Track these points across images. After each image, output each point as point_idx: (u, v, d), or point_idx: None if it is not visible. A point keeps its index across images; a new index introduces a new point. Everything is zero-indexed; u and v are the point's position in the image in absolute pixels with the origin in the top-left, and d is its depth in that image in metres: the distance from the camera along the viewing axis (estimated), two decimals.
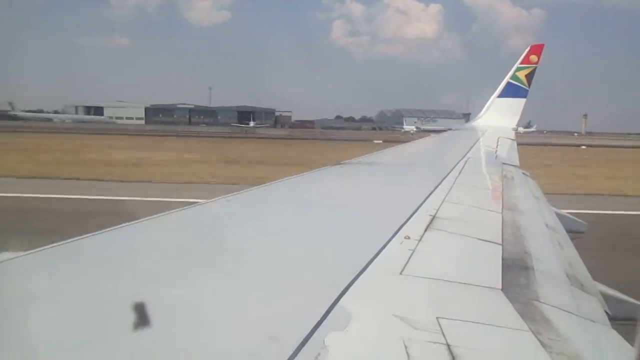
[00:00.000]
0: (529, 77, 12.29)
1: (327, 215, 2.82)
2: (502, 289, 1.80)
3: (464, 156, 6.10)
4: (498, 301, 1.71)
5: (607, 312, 2.04)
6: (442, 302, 1.66)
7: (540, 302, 1.78)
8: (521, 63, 12.32)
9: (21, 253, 1.97)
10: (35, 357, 1.22)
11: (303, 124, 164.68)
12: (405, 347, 1.27)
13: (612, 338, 1.70)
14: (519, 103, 12.40)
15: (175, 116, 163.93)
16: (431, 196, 3.25)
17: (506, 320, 1.56)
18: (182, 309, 1.47)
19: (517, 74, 12.34)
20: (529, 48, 12.46)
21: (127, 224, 2.38)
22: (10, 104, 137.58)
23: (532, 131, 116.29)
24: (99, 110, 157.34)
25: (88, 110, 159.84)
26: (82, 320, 1.39)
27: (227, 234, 2.37)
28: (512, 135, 10.78)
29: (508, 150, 8.26)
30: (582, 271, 2.49)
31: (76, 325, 1.36)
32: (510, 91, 12.42)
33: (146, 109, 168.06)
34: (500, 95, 12.58)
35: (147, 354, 1.22)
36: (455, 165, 5.08)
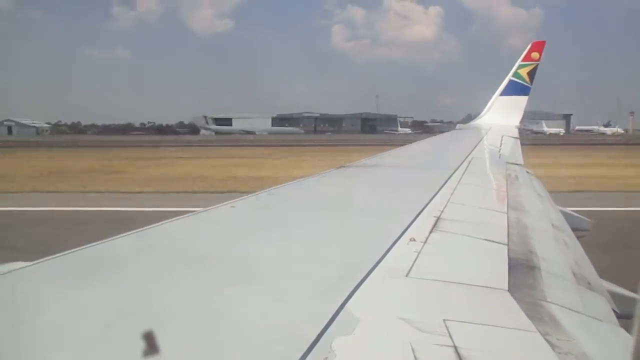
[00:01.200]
0: (531, 74, 12.25)
1: (332, 219, 2.82)
2: (508, 290, 1.80)
3: (468, 156, 6.09)
4: (505, 302, 1.70)
5: (615, 311, 2.03)
6: (449, 304, 1.65)
7: (547, 302, 1.78)
8: (523, 60, 12.29)
9: (29, 263, 1.99)
10: None
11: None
12: (413, 350, 1.26)
13: (621, 337, 1.69)
14: (521, 101, 12.36)
15: (301, 125, 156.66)
16: (436, 197, 3.25)
17: (513, 321, 1.56)
18: (188, 313, 1.48)
19: (519, 71, 12.31)
20: (530, 45, 12.43)
21: (132, 231, 2.40)
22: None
23: (617, 131, 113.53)
24: (228, 122, 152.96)
25: (218, 121, 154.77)
26: (95, 327, 1.39)
27: (232, 239, 2.38)
28: (516, 133, 10.74)
29: (512, 149, 8.24)
30: (588, 270, 2.49)
31: (91, 332, 1.37)
32: (513, 89, 12.39)
33: (272, 119, 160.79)
34: (503, 94, 12.54)
35: (156, 357, 1.22)
36: (460, 165, 5.08)
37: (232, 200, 3.09)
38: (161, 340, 1.30)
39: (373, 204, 3.35)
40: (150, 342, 1.30)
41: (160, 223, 2.55)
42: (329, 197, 3.70)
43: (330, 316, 1.40)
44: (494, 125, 11.39)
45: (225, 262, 2.00)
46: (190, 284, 1.73)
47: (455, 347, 1.31)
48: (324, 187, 4.17)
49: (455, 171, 4.63)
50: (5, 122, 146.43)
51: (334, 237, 2.44)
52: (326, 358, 1.19)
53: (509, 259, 2.17)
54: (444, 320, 1.46)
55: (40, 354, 1.28)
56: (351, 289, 1.61)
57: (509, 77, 12.41)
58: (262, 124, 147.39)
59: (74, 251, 2.11)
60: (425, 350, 1.28)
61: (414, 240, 2.22)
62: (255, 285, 1.73)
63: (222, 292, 1.67)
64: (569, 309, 1.78)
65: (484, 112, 12.99)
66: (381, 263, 1.89)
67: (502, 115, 12.12)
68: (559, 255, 2.57)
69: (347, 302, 1.51)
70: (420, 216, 2.69)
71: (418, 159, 7.24)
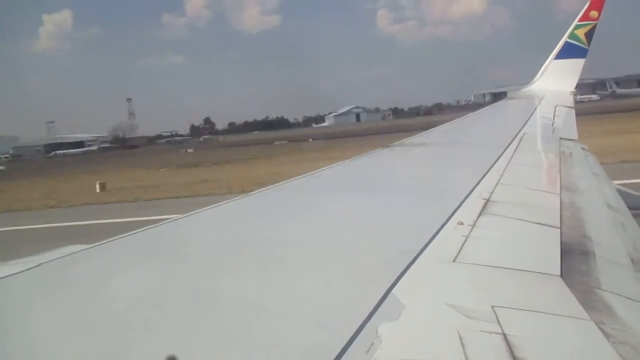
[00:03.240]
0: (589, 35, 11.45)
1: (378, 201, 2.82)
2: (561, 276, 1.75)
3: (520, 131, 5.87)
4: (557, 289, 1.66)
5: None
6: (498, 290, 1.63)
7: (602, 289, 1.72)
8: (580, 20, 11.49)
9: (85, 246, 2.11)
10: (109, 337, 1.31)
11: None
12: (460, 337, 1.26)
13: None
14: (577, 64, 11.59)
15: None
16: (485, 178, 3.17)
17: (566, 309, 1.52)
18: (235, 297, 1.52)
19: (575, 32, 11.53)
20: (588, 3, 11.62)
21: (181, 216, 2.49)
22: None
23: None
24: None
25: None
26: (146, 308, 1.46)
27: (278, 222, 2.42)
28: (571, 101, 10.18)
29: (565, 121, 7.87)
30: None
31: (141, 313, 1.44)
32: (568, 52, 11.63)
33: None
34: (558, 57, 11.78)
35: (200, 341, 1.26)
36: (510, 143, 4.91)
37: (280, 183, 3.14)
38: (206, 322, 1.35)
39: (419, 186, 3.31)
40: (196, 318, 1.36)
41: (211, 207, 2.64)
42: (375, 178, 3.69)
43: (376, 301, 1.41)
44: (548, 92, 10.83)
45: (274, 245, 2.04)
46: (234, 268, 1.78)
47: (504, 335, 1.29)
48: (370, 168, 4.16)
49: (505, 149, 4.49)
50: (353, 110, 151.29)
51: (379, 220, 2.44)
52: (372, 343, 1.20)
53: (562, 243, 2.10)
54: (493, 306, 1.44)
55: (93, 328, 1.36)
56: (397, 274, 1.61)
57: (565, 38, 11.63)
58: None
59: (129, 235, 2.22)
60: (473, 337, 1.27)
61: (462, 223, 2.18)
62: (302, 269, 1.76)
63: (268, 275, 1.72)
64: (625, 297, 1.72)
65: (537, 76, 12.27)
66: (428, 248, 1.88)
67: (556, 80, 11.44)
68: (615, 239, 2.47)
69: (393, 287, 1.51)
70: (468, 198, 2.64)
71: (467, 136, 7.03)
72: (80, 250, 2.07)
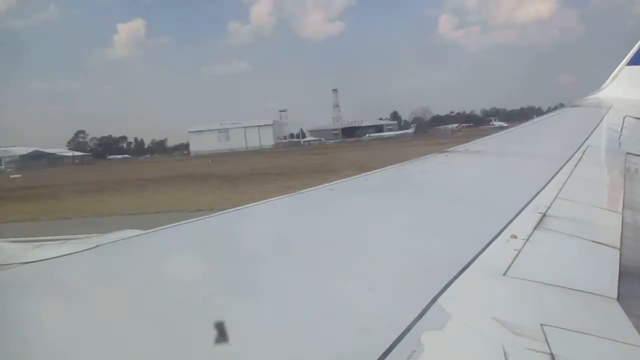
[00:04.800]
0: None
1: (429, 208, 2.79)
2: (617, 299, 1.69)
3: (583, 143, 5.63)
4: (612, 312, 1.60)
5: None
6: (548, 309, 1.59)
7: None
8: None
9: (139, 232, 2.23)
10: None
11: None
12: (505, 352, 1.24)
13: None
14: None
15: None
16: (543, 191, 3.07)
17: (620, 334, 1.46)
18: (279, 298, 1.54)
19: None
20: None
21: (230, 209, 2.58)
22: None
23: None
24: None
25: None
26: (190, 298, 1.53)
27: (326, 224, 2.44)
28: None
29: (634, 135, 7.44)
30: None
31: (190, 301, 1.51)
32: None
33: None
34: (631, 63, 11.00)
35: (241, 336, 1.29)
36: (573, 155, 4.72)
37: (331, 183, 3.17)
38: (249, 323, 1.37)
39: (473, 195, 3.25)
40: (238, 318, 1.40)
41: (265, 201, 2.71)
42: (427, 184, 3.64)
43: (421, 309, 1.40)
44: (617, 100, 10.22)
45: (322, 246, 2.07)
46: (280, 268, 1.81)
47: (552, 355, 1.26)
48: (422, 173, 4.11)
49: (567, 161, 4.32)
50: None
51: (429, 227, 2.42)
52: (414, 351, 1.19)
53: (621, 265, 2.02)
54: (542, 324, 1.41)
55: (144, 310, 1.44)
56: (444, 283, 1.59)
57: None
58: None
59: (180, 224, 2.32)
60: (519, 354, 1.25)
61: (515, 237, 2.13)
62: (347, 273, 1.78)
63: (313, 277, 1.74)
64: None
65: (606, 83, 11.54)
66: (478, 259, 1.85)
67: (627, 89, 10.72)
68: None
69: (439, 296, 1.50)
70: (523, 211, 2.57)
71: (526, 145, 6.80)
72: (134, 236, 2.18)
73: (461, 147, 5.44)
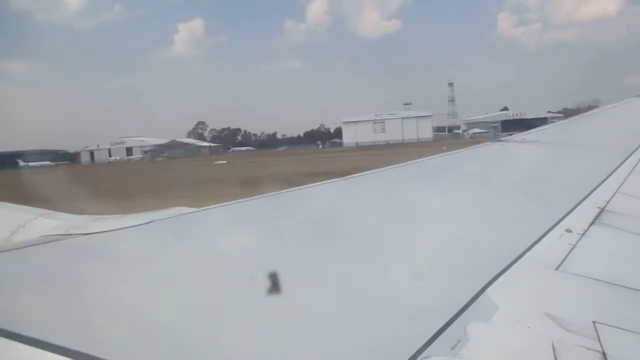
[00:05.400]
0: None
1: (483, 197, 2.74)
2: None
3: None
4: None
5: None
6: (602, 306, 1.53)
7: None
8: None
9: (192, 209, 2.31)
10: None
11: None
12: (554, 348, 1.21)
13: None
14: None
15: None
16: (602, 185, 2.94)
17: None
18: (329, 283, 1.57)
19: None
20: None
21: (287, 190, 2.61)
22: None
23: None
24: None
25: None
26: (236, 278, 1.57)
27: (383, 209, 2.44)
28: None
29: None
30: None
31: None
32: None
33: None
34: None
35: (285, 317, 1.31)
36: (637, 149, 4.47)
37: (381, 169, 3.15)
38: (302, 301, 1.41)
39: (528, 186, 3.14)
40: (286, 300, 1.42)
41: (312, 185, 2.73)
42: (482, 174, 3.56)
43: (468, 299, 1.39)
44: None
45: (368, 234, 2.08)
46: (331, 253, 1.83)
47: (604, 354, 1.22)
48: (477, 162, 4.02)
49: (630, 155, 4.10)
50: None
51: (483, 216, 2.37)
52: (459, 340, 1.19)
53: None
54: (594, 322, 1.36)
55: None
56: (494, 274, 1.57)
57: None
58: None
59: (228, 204, 2.39)
60: (569, 351, 1.22)
61: (570, 231, 2.06)
62: (397, 260, 1.78)
63: (368, 262, 1.75)
64: None
65: None
66: (530, 251, 1.80)
67: None
68: None
69: (487, 287, 1.47)
70: (580, 205, 2.47)
71: (587, 137, 6.49)
72: (187, 213, 2.26)
73: (517, 137, 5.27)
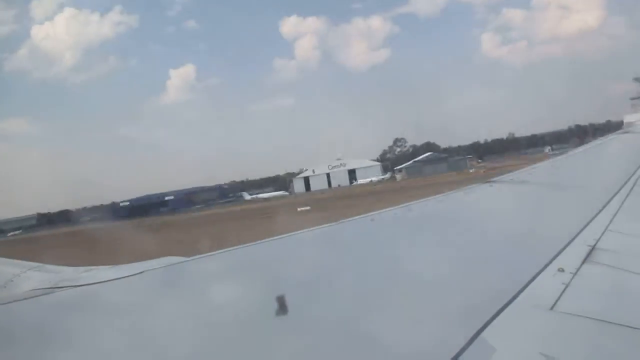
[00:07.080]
0: None
1: (474, 239, 2.75)
2: None
3: (635, 172, 5.40)
4: None
5: None
6: (599, 345, 1.52)
7: None
8: None
9: (183, 258, 2.31)
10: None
11: None
12: None
13: None
14: None
15: None
16: (592, 223, 2.96)
17: None
18: (323, 329, 1.57)
19: None
20: None
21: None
22: None
23: None
24: None
25: None
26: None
27: (373, 252, 2.45)
28: None
29: None
30: None
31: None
32: None
33: None
34: None
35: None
36: (624, 185, 4.53)
37: (372, 213, 3.17)
38: (317, 331, 1.40)
39: (519, 226, 3.17)
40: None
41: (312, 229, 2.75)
42: (472, 215, 3.59)
43: (464, 343, 1.38)
44: None
45: (367, 275, 2.08)
46: (331, 295, 1.83)
47: None
48: (467, 204, 4.05)
49: (617, 192, 4.15)
50: None
51: (475, 258, 2.38)
52: None
53: None
54: None
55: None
56: (489, 316, 1.56)
57: None
58: None
59: (230, 250, 2.38)
60: None
61: (563, 270, 2.07)
62: (393, 303, 1.77)
63: (361, 307, 1.74)
64: None
65: None
66: (524, 292, 1.80)
67: None
68: None
69: (483, 329, 1.47)
70: (571, 244, 2.48)
71: (574, 175, 6.58)
72: (178, 263, 2.25)
73: (506, 177, 5.34)
